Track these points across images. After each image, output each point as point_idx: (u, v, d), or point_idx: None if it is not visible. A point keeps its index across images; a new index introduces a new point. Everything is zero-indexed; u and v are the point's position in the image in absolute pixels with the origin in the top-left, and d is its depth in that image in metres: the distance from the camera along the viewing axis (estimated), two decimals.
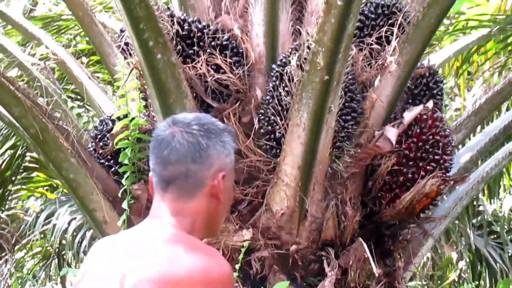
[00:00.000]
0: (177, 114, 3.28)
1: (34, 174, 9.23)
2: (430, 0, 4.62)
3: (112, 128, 4.56)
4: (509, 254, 9.33)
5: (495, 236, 9.72)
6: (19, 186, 9.30)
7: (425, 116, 4.60)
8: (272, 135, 4.38)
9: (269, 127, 4.39)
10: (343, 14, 3.98)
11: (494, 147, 5.56)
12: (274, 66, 4.49)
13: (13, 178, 8.55)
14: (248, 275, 4.36)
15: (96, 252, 3.00)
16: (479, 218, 9.81)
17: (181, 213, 2.86)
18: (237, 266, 4.35)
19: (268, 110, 4.42)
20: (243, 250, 4.36)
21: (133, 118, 4.42)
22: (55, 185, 9.30)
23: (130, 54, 4.56)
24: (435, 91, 4.88)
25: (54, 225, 9.19)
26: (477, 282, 9.55)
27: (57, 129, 4.77)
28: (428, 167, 4.53)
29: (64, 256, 9.63)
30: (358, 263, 4.37)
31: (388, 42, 4.62)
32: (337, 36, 4.02)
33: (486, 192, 9.04)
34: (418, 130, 4.55)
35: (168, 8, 4.69)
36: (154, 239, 2.83)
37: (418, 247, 4.99)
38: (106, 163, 4.75)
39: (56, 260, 10.36)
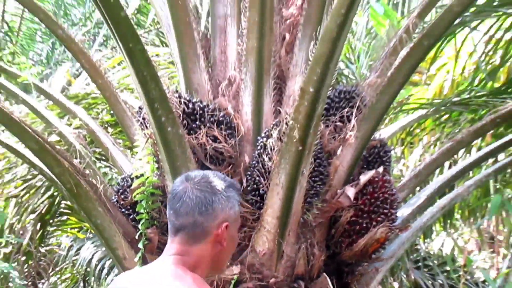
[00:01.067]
0: (191, 172, 3.27)
1: (67, 217, 9.15)
2: (382, 88, 4.73)
3: (131, 184, 4.59)
4: (440, 282, 9.46)
5: (429, 269, 9.81)
6: (55, 227, 9.18)
7: (376, 179, 4.68)
8: (257, 192, 4.42)
9: (255, 185, 4.44)
10: (314, 99, 4.01)
11: (430, 203, 5.57)
12: (259, 137, 4.53)
13: (51, 221, 8.48)
14: None
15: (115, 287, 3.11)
16: (415, 255, 9.88)
17: (187, 254, 2.89)
18: None
19: (254, 172, 4.46)
20: (233, 282, 4.35)
21: (147, 177, 4.44)
22: (83, 227, 9.26)
23: (146, 127, 4.59)
24: (384, 159, 4.95)
25: (81, 257, 9.33)
26: None
27: (88, 184, 4.80)
28: (378, 219, 4.59)
29: (88, 281, 9.56)
30: None
31: (349, 120, 4.63)
32: (309, 115, 4.05)
33: (422, 235, 8.93)
34: (371, 189, 4.63)
35: (177, 91, 4.70)
36: (162, 274, 2.90)
37: (369, 280, 4.99)
38: (126, 212, 4.78)
39: (82, 284, 10.20)
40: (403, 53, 4.76)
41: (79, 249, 9.30)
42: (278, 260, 4.39)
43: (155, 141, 4.48)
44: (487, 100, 6.03)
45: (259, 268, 4.36)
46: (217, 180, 3.04)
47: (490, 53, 6.49)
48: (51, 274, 10.13)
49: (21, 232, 8.14)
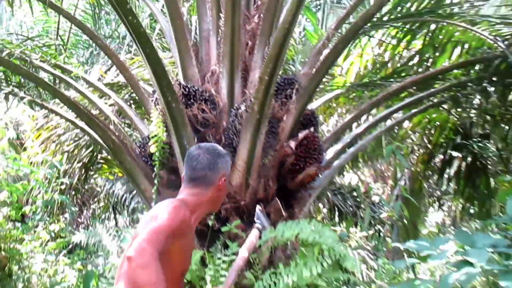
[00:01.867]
0: (202, 143, 3.30)
1: (101, 165, 9.21)
2: (312, 76, 4.75)
3: (148, 142, 4.62)
4: (349, 204, 9.46)
5: (342, 195, 9.79)
6: (94, 172, 9.13)
7: (309, 135, 4.71)
8: (232, 145, 4.47)
9: (230, 141, 4.50)
10: (267, 84, 4.10)
11: (343, 151, 5.60)
12: (232, 110, 4.59)
13: (91, 168, 8.52)
14: (219, 218, 4.38)
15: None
16: (333, 186, 9.80)
17: (192, 196, 2.92)
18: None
19: (229, 133, 4.52)
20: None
21: (159, 137, 4.47)
22: (113, 172, 9.35)
23: (158, 104, 4.66)
24: (314, 123, 4.97)
25: (113, 191, 9.40)
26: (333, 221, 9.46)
27: (120, 142, 4.88)
28: (311, 161, 4.64)
29: (116, 208, 9.65)
30: (275, 211, 4.51)
31: (291, 98, 4.69)
32: (265, 95, 4.15)
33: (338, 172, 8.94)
34: (306, 142, 4.66)
35: (177, 80, 4.71)
36: (164, 203, 2.88)
37: (305, 202, 5.03)
38: (145, 160, 4.82)
39: (112, 210, 10.29)
40: (325, 53, 4.82)
41: (110, 187, 9.55)
42: (246, 189, 4.44)
43: (164, 113, 4.51)
44: (380, 83, 6.13)
45: (234, 195, 4.41)
46: (219, 149, 3.11)
47: (381, 51, 6.57)
48: (92, 203, 10.34)
49: (71, 175, 8.18)
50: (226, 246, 4.29)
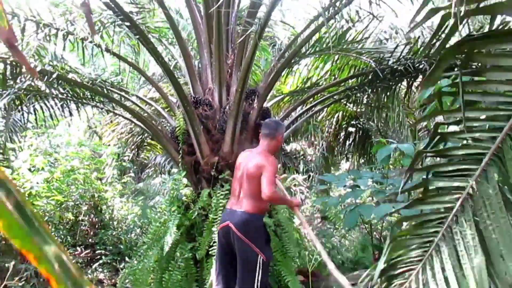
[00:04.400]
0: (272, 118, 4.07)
1: (147, 145, 9.09)
2: (266, 87, 4.74)
3: (175, 129, 4.67)
4: (294, 161, 9.06)
5: (291, 157, 9.25)
6: (143, 150, 8.96)
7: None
8: (222, 130, 4.54)
9: (221, 127, 4.57)
10: (240, 94, 4.23)
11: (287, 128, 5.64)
12: (222, 109, 4.63)
13: (141, 148, 8.40)
14: (218, 170, 4.43)
15: (240, 157, 3.42)
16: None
17: (266, 146, 3.27)
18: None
19: (221, 122, 4.58)
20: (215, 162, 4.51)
21: (181, 126, 4.57)
22: (153, 150, 9.20)
23: (179, 107, 4.71)
24: (268, 114, 4.91)
25: (155, 163, 9.29)
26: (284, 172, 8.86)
27: (159, 129, 4.98)
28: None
29: (162, 172, 9.20)
30: None
31: (254, 100, 4.76)
32: (239, 100, 4.26)
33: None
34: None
35: (189, 93, 4.80)
36: (257, 152, 3.26)
37: None
38: (174, 140, 4.79)
39: (159, 174, 9.81)
40: (273, 73, 4.75)
41: (154, 158, 9.35)
42: (232, 153, 4.45)
43: (183, 112, 4.55)
44: (306, 90, 6.06)
45: (225, 157, 4.45)
46: (279, 121, 3.57)
47: (306, 71, 6.49)
48: (145, 170, 10.28)
49: (128, 153, 8.28)
50: (222, 186, 4.32)
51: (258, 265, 2.98)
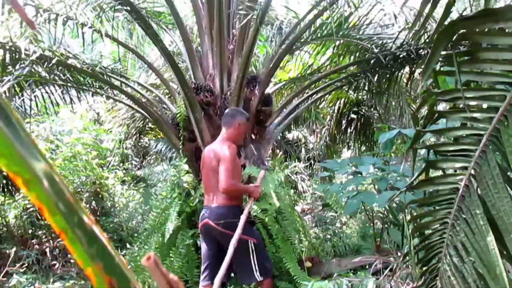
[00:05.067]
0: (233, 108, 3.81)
1: (149, 131, 9.10)
2: (267, 73, 4.76)
3: (176, 116, 4.65)
4: (294, 149, 9.07)
5: (292, 144, 9.28)
6: (144, 135, 8.91)
7: (268, 108, 4.94)
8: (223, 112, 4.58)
9: (223, 110, 4.23)
10: (242, 79, 4.24)
11: (289, 115, 5.54)
12: (222, 95, 4.63)
13: (142, 133, 8.42)
14: None
15: (203, 153, 3.38)
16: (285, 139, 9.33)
17: (224, 134, 3.25)
18: None
19: (222, 107, 4.54)
20: None
21: (182, 113, 4.55)
22: (155, 135, 9.16)
23: (180, 93, 4.69)
24: (270, 101, 5.00)
25: (156, 151, 9.18)
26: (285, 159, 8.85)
27: (159, 115, 4.93)
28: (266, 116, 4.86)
29: (162, 156, 8.94)
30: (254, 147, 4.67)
31: (255, 86, 4.76)
32: (240, 85, 4.30)
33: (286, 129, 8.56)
34: (265, 111, 4.89)
35: (190, 79, 4.80)
36: (215, 143, 3.27)
37: (268, 142, 5.03)
38: (175, 126, 4.79)
39: (160, 160, 9.57)
40: (275, 59, 4.77)
41: (156, 145, 9.09)
42: None
43: (184, 99, 4.54)
44: (307, 77, 6.04)
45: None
46: (238, 109, 3.58)
47: (308, 58, 6.47)
48: (146, 155, 10.09)
49: (130, 138, 8.27)
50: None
51: (250, 249, 3.05)
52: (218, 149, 3.11)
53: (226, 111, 3.44)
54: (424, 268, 1.78)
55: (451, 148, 1.68)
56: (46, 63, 4.36)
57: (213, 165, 3.10)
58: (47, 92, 5.25)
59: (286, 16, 7.28)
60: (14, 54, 4.45)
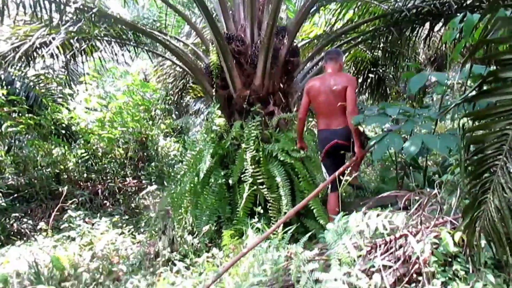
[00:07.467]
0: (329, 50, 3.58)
1: (189, 89, 8.60)
2: (294, 24, 4.16)
3: (209, 65, 4.16)
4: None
5: None
6: (185, 93, 8.49)
7: (296, 59, 4.23)
8: (254, 63, 3.96)
9: (253, 61, 3.99)
10: (271, 28, 3.60)
11: (311, 69, 5.07)
12: (253, 44, 4.06)
13: (184, 91, 7.95)
14: (249, 103, 3.93)
15: (313, 85, 3.30)
16: None
17: (336, 68, 3.27)
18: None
19: (252, 56, 4.00)
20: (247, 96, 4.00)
21: (214, 61, 4.08)
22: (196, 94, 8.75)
23: (212, 43, 4.12)
24: (297, 53, 4.35)
25: (195, 110, 8.77)
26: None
27: (195, 67, 4.38)
28: (294, 67, 4.28)
29: (198, 114, 8.70)
30: (279, 99, 4.10)
31: (284, 37, 4.16)
32: (270, 34, 3.67)
33: None
34: (293, 61, 4.23)
35: (223, 30, 4.20)
36: (334, 74, 3.23)
37: (293, 95, 4.35)
38: (208, 73, 4.22)
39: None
40: (299, 14, 4.18)
41: (195, 104, 8.82)
42: (263, 87, 3.96)
43: (217, 48, 3.97)
44: (329, 34, 5.27)
45: (256, 90, 3.95)
46: (340, 50, 3.44)
47: (330, 16, 5.76)
48: (186, 113, 9.80)
49: (172, 96, 7.82)
50: (253, 118, 3.88)
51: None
52: (341, 77, 3.12)
53: (329, 50, 3.44)
54: (473, 182, 1.52)
55: None
56: (89, 14, 3.72)
57: (338, 90, 3.07)
58: (94, 48, 4.73)
59: None
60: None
